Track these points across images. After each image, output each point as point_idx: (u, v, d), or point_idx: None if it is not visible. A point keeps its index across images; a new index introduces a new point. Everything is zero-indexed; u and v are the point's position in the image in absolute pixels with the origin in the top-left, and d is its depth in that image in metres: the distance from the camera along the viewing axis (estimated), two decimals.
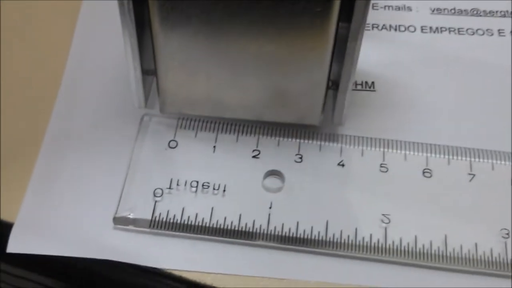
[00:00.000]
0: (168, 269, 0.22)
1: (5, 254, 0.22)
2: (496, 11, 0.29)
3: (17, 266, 0.23)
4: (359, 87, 0.26)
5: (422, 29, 0.28)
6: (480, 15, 0.29)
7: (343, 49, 0.21)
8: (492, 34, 0.28)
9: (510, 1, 0.29)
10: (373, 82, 0.26)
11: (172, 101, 0.23)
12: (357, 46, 0.20)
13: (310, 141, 0.24)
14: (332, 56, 0.21)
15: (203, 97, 0.23)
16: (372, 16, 0.29)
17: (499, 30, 0.28)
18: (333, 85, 0.23)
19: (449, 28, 0.28)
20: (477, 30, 0.28)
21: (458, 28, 0.28)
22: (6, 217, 0.23)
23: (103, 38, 0.28)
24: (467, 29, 0.28)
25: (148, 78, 0.24)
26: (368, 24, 0.28)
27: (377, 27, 0.28)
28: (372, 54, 0.27)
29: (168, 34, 0.21)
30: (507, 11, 0.29)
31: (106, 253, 0.22)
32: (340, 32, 0.21)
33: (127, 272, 0.22)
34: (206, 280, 0.21)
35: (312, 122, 0.23)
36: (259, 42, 0.21)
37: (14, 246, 0.22)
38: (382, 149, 0.24)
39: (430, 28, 0.28)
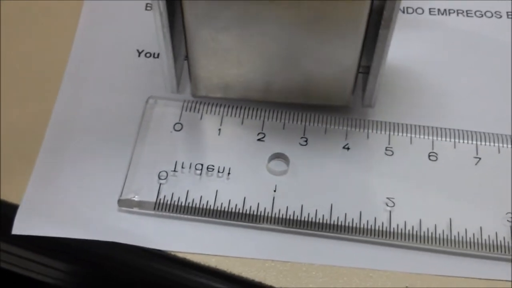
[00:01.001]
0: (172, 251, 0.22)
1: (10, 236, 0.22)
2: None
3: (22, 247, 0.23)
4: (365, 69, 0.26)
5: (430, 11, 0.28)
6: None
7: (374, 34, 0.21)
8: (500, 17, 0.28)
9: None
10: None
11: (203, 86, 0.24)
12: (391, 27, 0.20)
13: (316, 125, 0.24)
14: (364, 39, 0.21)
15: (234, 81, 0.23)
16: None
17: (507, 12, 0.28)
18: (364, 69, 0.23)
19: (457, 10, 0.28)
20: (485, 12, 0.28)
21: (467, 10, 0.28)
22: (11, 199, 0.23)
23: (108, 23, 0.28)
24: (475, 11, 0.28)
25: (179, 63, 0.24)
26: None
27: None
28: None
29: (200, 26, 0.21)
30: None
31: (111, 235, 0.22)
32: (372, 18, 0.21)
33: (131, 254, 0.22)
34: (210, 263, 0.21)
35: (342, 103, 0.24)
36: (292, 26, 0.21)
37: (19, 228, 0.22)
38: (388, 133, 0.24)
39: (438, 10, 0.28)
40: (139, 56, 0.27)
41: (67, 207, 0.23)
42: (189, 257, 0.22)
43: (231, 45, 0.22)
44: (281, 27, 0.21)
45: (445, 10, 0.28)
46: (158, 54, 0.27)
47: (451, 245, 0.21)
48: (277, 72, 0.23)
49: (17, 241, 0.22)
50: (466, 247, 0.21)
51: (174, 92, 0.24)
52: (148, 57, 0.27)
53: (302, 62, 0.22)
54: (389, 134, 0.24)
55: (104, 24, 0.28)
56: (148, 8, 0.28)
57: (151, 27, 0.27)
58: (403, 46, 0.26)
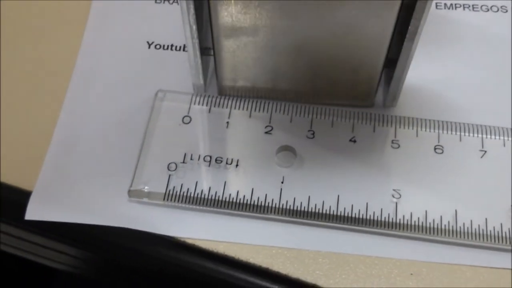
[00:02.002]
0: (181, 238, 0.22)
1: (23, 221, 0.23)
2: None
3: (34, 233, 0.23)
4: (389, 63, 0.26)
5: (436, 5, 0.28)
6: None
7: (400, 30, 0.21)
8: (506, 11, 0.28)
9: None
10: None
11: (229, 85, 0.24)
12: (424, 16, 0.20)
13: (323, 118, 0.24)
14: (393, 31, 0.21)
15: (260, 80, 0.24)
16: None
17: None
18: (390, 63, 0.23)
19: (464, 5, 0.28)
20: (491, 6, 0.28)
21: (473, 5, 0.28)
22: (24, 186, 0.23)
23: (118, 15, 0.28)
24: (481, 6, 0.28)
25: (206, 60, 0.24)
26: None
27: None
28: None
29: (229, 33, 0.22)
30: None
31: (122, 221, 0.22)
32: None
33: (140, 240, 0.22)
34: (219, 249, 0.22)
35: (366, 103, 0.24)
36: (322, 25, 0.21)
37: (32, 213, 0.23)
38: (394, 126, 0.24)
39: (445, 4, 0.28)
40: (149, 47, 0.27)
41: (78, 194, 0.23)
42: (198, 243, 0.22)
43: (259, 48, 0.22)
44: (310, 25, 0.21)
45: (451, 4, 0.28)
46: (168, 46, 0.27)
47: (456, 236, 0.21)
48: (304, 70, 0.23)
49: (29, 226, 0.23)
50: (471, 238, 0.21)
51: (202, 88, 0.25)
52: (158, 48, 0.27)
53: (329, 62, 0.23)
54: (395, 127, 0.24)
55: (114, 17, 0.28)
56: (158, 1, 0.29)
57: (161, 19, 0.28)
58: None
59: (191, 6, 0.21)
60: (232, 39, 0.22)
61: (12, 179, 0.24)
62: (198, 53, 0.23)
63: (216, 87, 0.25)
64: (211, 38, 0.23)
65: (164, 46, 0.27)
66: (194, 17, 0.22)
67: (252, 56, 0.23)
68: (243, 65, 0.23)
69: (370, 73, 0.23)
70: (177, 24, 0.27)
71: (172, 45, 0.27)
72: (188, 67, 0.24)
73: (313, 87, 0.24)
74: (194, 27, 0.22)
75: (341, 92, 0.24)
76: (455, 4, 0.28)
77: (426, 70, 0.26)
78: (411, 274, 0.21)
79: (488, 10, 0.28)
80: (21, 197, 0.23)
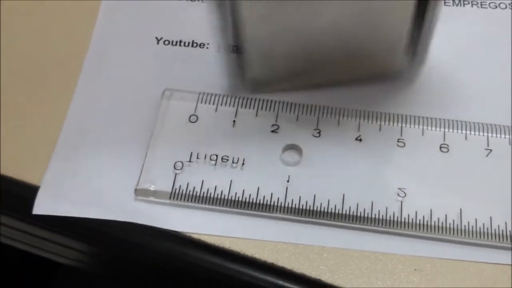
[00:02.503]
0: (187, 233, 0.22)
1: (30, 216, 0.23)
2: None
3: (40, 227, 0.24)
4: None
5: (445, 2, 0.28)
6: None
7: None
8: None
9: None
10: None
11: (259, 82, 0.24)
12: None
13: (329, 116, 0.24)
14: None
15: (287, 73, 0.24)
16: None
17: None
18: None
19: (472, 1, 0.28)
20: (499, 4, 0.28)
21: (481, 2, 0.28)
22: (32, 180, 0.24)
23: (128, 11, 0.29)
24: (489, 3, 0.28)
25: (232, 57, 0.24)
26: None
27: None
28: None
29: (258, 27, 0.22)
30: None
31: (128, 217, 0.23)
32: None
33: (146, 235, 0.23)
34: (225, 244, 0.22)
35: (395, 69, 0.24)
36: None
37: (40, 208, 0.23)
38: (400, 124, 0.24)
39: (453, 1, 0.28)
40: (157, 43, 0.27)
41: (85, 190, 0.23)
42: (204, 238, 0.22)
43: (287, 37, 0.22)
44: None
45: (459, 1, 0.28)
46: (177, 42, 0.27)
47: (461, 235, 0.21)
48: (331, 50, 0.23)
49: (36, 221, 0.23)
50: (476, 236, 0.21)
51: (249, 91, 0.25)
52: (167, 44, 0.27)
53: (354, 36, 0.23)
54: (401, 126, 0.24)
55: (124, 12, 0.29)
56: None
57: (170, 15, 0.28)
58: None
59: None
60: (260, 31, 0.22)
61: (20, 174, 0.24)
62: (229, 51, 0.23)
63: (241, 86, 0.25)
64: (234, 34, 0.23)
65: (172, 42, 0.27)
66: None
67: (281, 46, 0.23)
68: (273, 57, 0.23)
69: (398, 35, 0.23)
70: (186, 20, 0.27)
71: (181, 41, 0.27)
72: (193, 63, 0.24)
73: (345, 64, 0.24)
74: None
75: (373, 64, 0.24)
76: (463, 1, 0.28)
77: (431, 67, 0.26)
78: (415, 269, 0.21)
79: (496, 7, 0.28)
80: (29, 191, 0.23)
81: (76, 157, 0.24)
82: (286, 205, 0.22)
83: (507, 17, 0.27)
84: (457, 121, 0.24)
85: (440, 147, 0.23)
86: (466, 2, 0.28)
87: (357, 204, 0.22)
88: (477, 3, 0.28)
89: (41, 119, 0.25)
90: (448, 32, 0.27)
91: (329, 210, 0.22)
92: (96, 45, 0.27)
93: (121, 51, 0.27)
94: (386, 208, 0.22)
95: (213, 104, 0.25)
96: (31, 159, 0.24)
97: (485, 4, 0.28)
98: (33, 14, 0.29)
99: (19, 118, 0.26)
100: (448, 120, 0.24)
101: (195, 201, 0.22)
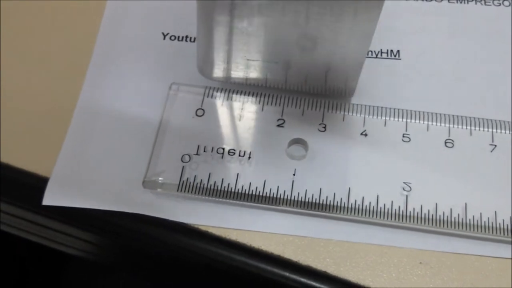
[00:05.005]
0: (194, 224, 0.23)
1: (40, 207, 0.23)
2: None
3: (51, 218, 0.24)
4: (384, 55, 0.27)
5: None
6: None
7: None
8: None
9: None
10: (398, 51, 0.27)
11: (220, 69, 0.24)
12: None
13: (334, 112, 0.24)
14: None
15: (247, 67, 0.24)
16: None
17: None
18: None
19: None
20: (503, 1, 0.28)
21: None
22: (42, 172, 0.24)
23: (134, 6, 0.29)
24: (493, 0, 0.28)
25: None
26: None
27: None
28: (399, 22, 0.27)
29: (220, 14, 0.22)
30: None
31: (137, 208, 0.23)
32: None
33: (154, 226, 0.23)
34: (231, 236, 0.22)
35: (348, 94, 0.24)
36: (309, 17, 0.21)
37: (50, 199, 0.23)
38: (405, 120, 0.24)
39: None
40: (164, 39, 0.27)
41: (94, 182, 0.24)
42: (211, 230, 0.22)
43: (250, 31, 0.22)
44: (299, 18, 0.21)
45: None
46: (183, 37, 0.27)
47: (466, 229, 0.22)
48: (291, 58, 0.23)
49: (46, 211, 0.23)
50: (481, 231, 0.22)
51: (209, 77, 0.25)
52: (173, 40, 0.27)
53: (318, 50, 0.22)
54: (406, 121, 0.24)
55: (130, 8, 0.29)
56: None
57: (176, 11, 0.28)
58: (422, 32, 0.27)
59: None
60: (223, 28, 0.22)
61: (30, 165, 0.24)
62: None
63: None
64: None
65: (179, 37, 0.27)
66: None
67: (243, 45, 0.23)
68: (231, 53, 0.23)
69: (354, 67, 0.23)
70: (192, 16, 0.27)
71: (187, 36, 0.27)
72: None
73: (300, 74, 0.24)
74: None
75: (331, 81, 0.24)
76: None
77: (437, 62, 0.26)
78: (420, 263, 0.22)
79: (500, 4, 0.28)
80: (38, 182, 0.24)
81: (85, 149, 0.24)
82: (292, 198, 0.22)
83: (510, 15, 0.28)
84: (461, 116, 0.24)
85: (445, 142, 0.23)
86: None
87: (363, 198, 0.22)
88: (481, 0, 0.28)
89: (50, 112, 0.26)
90: (453, 27, 0.27)
91: (335, 204, 0.22)
92: (103, 39, 0.28)
93: (128, 47, 0.27)
94: (392, 202, 0.22)
95: (219, 98, 0.25)
96: (41, 151, 0.25)
97: (489, 2, 0.28)
98: (39, 13, 0.29)
99: (28, 112, 0.26)
100: (453, 115, 0.24)
101: (202, 193, 0.23)
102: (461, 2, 0.28)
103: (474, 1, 0.28)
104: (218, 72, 0.25)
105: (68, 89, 0.26)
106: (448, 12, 0.28)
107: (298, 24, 0.21)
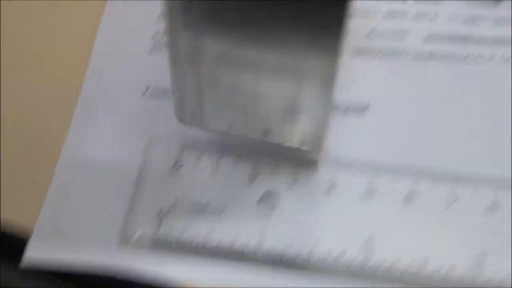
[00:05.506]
0: (171, 281, 0.23)
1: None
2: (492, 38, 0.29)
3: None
4: (351, 108, 0.27)
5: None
6: (474, 42, 0.29)
7: None
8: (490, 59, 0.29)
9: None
10: (367, 105, 0.28)
11: (191, 116, 0.25)
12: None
13: (305, 167, 0.25)
14: None
15: (213, 115, 0.24)
16: (369, 40, 0.30)
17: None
18: None
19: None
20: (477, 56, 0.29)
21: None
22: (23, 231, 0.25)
23: (132, 15, 0.30)
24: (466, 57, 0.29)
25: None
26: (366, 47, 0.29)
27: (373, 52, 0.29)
28: (367, 76, 0.28)
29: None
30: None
31: (113, 265, 0.23)
32: None
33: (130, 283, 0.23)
34: None
35: (315, 150, 0.25)
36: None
37: (29, 262, 0.24)
38: (369, 175, 0.25)
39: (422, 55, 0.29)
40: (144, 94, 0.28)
41: (71, 241, 0.24)
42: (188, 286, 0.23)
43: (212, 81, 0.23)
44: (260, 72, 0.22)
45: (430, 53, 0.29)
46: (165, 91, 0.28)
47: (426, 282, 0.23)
48: (256, 109, 0.24)
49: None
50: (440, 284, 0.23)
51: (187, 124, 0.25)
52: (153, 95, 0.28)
53: (284, 98, 0.23)
54: (371, 177, 0.25)
55: (129, 11, 0.30)
56: None
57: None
58: (389, 86, 0.28)
59: None
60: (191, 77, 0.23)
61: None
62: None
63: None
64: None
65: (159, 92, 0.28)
66: None
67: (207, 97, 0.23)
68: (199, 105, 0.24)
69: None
70: None
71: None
72: None
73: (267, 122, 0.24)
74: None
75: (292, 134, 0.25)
76: (434, 54, 0.29)
77: (404, 116, 0.27)
78: None
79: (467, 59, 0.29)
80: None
81: (63, 211, 0.25)
82: (264, 252, 0.24)
83: (481, 70, 0.28)
84: (425, 170, 0.25)
85: (406, 198, 0.25)
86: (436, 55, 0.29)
87: (329, 252, 0.24)
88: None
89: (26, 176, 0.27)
90: (420, 82, 0.28)
91: (302, 257, 0.23)
92: (87, 89, 0.29)
93: (110, 98, 0.28)
94: (354, 255, 0.23)
95: (197, 151, 0.26)
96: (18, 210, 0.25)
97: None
98: (37, 14, 0.30)
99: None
100: (416, 166, 0.25)
101: (178, 248, 0.24)
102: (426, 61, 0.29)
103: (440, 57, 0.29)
104: (194, 119, 0.25)
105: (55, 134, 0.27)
106: (415, 69, 0.29)
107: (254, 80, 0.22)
